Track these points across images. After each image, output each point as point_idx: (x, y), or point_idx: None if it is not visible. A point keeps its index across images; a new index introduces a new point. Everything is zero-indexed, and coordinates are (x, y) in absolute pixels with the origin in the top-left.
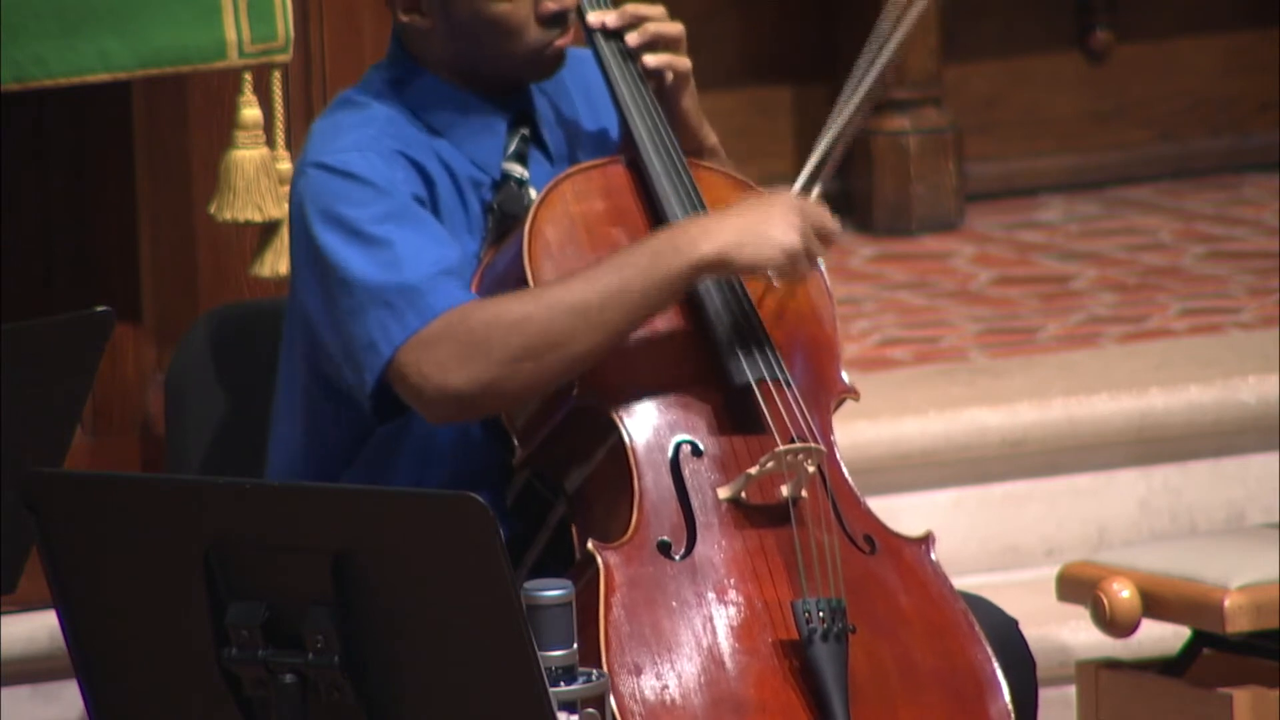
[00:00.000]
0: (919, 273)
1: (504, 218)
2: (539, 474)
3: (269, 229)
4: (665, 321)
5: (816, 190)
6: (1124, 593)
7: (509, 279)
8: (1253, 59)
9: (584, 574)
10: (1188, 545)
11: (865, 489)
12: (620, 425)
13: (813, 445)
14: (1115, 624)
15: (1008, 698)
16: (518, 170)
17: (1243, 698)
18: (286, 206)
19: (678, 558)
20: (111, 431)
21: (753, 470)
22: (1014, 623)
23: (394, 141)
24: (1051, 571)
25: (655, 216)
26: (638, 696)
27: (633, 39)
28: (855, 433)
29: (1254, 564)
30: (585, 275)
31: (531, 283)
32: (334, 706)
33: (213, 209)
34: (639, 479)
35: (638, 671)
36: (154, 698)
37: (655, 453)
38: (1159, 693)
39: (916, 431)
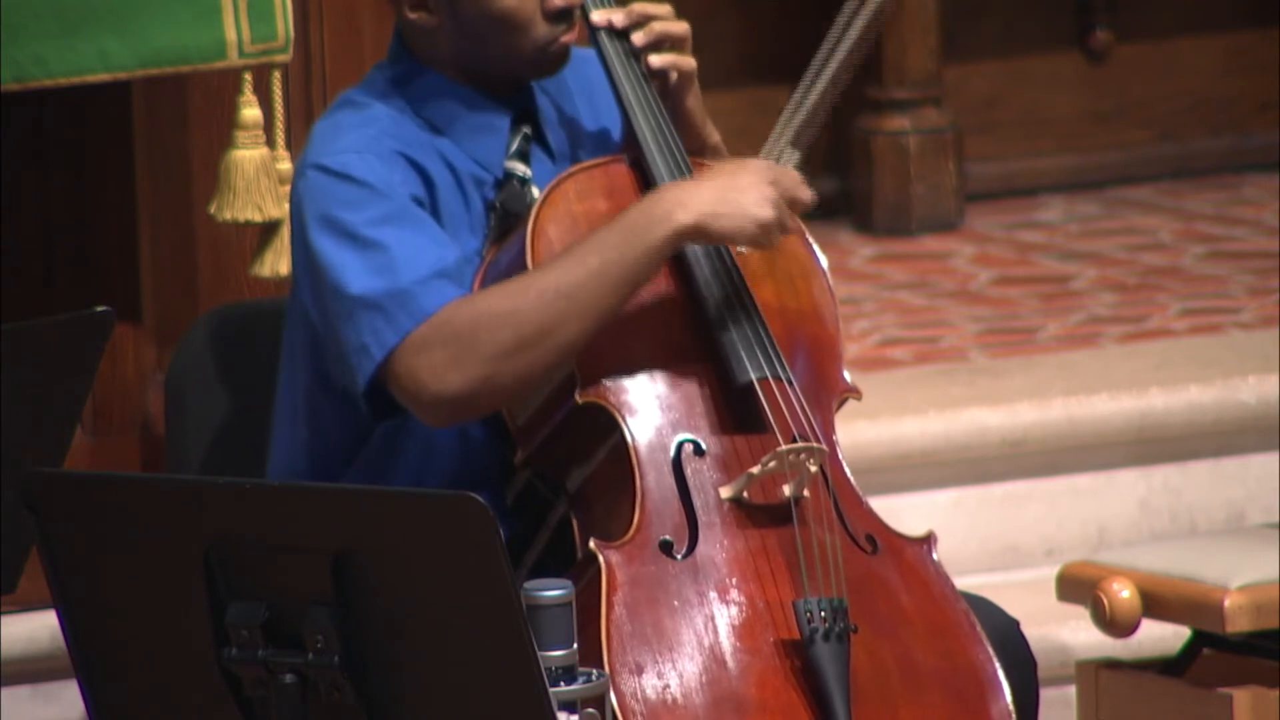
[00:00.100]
0: (919, 273)
1: (506, 216)
2: (540, 473)
3: (269, 229)
4: (668, 320)
5: (789, 159)
6: (1124, 593)
7: (512, 277)
8: (1253, 59)
9: (585, 573)
10: (1188, 545)
11: (865, 489)
12: (622, 424)
13: (815, 445)
14: (1115, 624)
15: (1009, 698)
16: (520, 169)
17: (1243, 698)
18: (286, 206)
19: (679, 557)
20: (111, 431)
21: (755, 469)
22: (1015, 623)
23: (394, 142)
24: (1051, 571)
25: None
26: (639, 696)
27: (639, 38)
28: (855, 433)
29: (1254, 564)
30: (565, 260)
31: None
32: (334, 706)
33: (213, 209)
34: (641, 478)
35: (639, 671)
36: (154, 698)
37: (657, 452)
38: (1159, 693)
39: (916, 431)
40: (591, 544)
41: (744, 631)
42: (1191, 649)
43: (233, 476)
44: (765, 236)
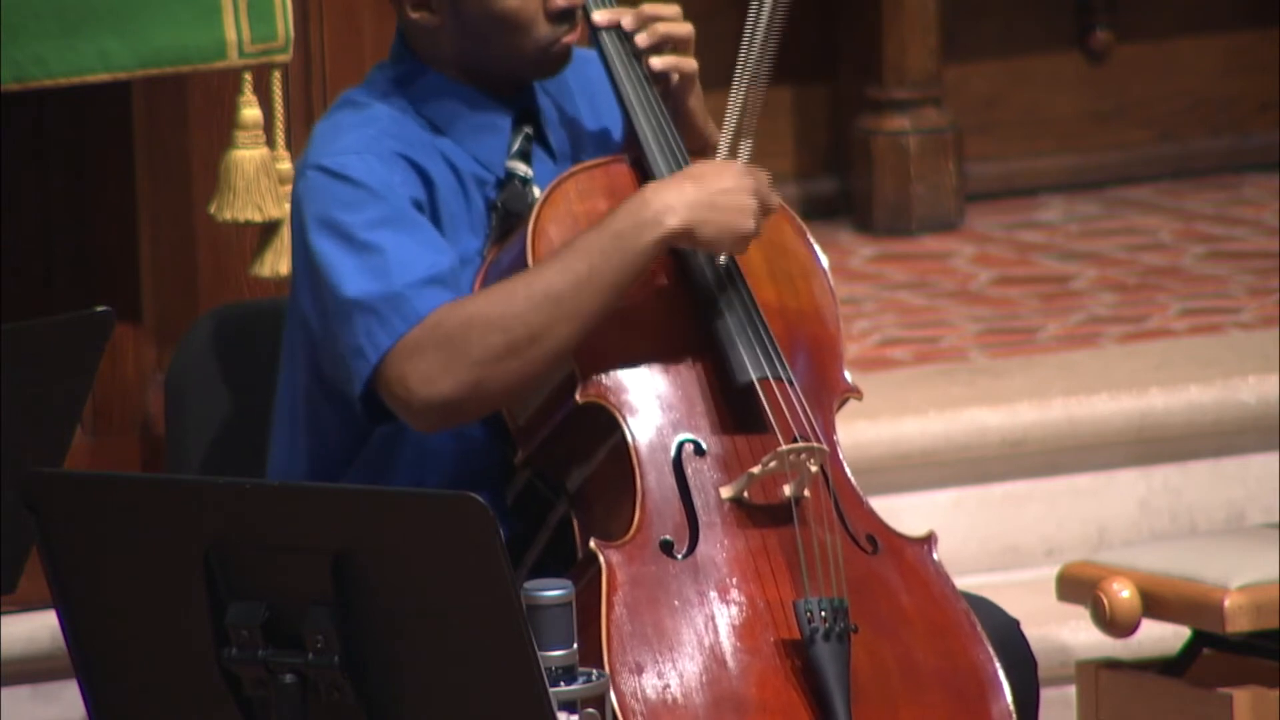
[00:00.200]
0: (919, 273)
1: (508, 216)
2: (540, 473)
3: (269, 229)
4: (668, 320)
5: (745, 150)
6: (1124, 593)
7: (502, 281)
8: (1253, 59)
9: (586, 573)
10: (1188, 545)
11: (865, 489)
12: (622, 424)
13: (815, 445)
14: (1115, 624)
15: (1009, 698)
16: (521, 169)
17: (1243, 698)
18: (286, 207)
19: (680, 557)
20: (111, 431)
21: (755, 469)
22: (1015, 623)
23: (395, 143)
24: (1051, 571)
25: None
26: (639, 695)
27: (642, 40)
28: (855, 433)
29: (1254, 564)
30: (553, 264)
31: None
32: (334, 706)
33: (213, 209)
34: (641, 478)
35: (639, 670)
36: (154, 698)
37: (658, 452)
38: (1159, 693)
39: (916, 431)
40: (592, 544)
41: (744, 631)
42: (1191, 649)
43: (233, 476)
44: (741, 246)
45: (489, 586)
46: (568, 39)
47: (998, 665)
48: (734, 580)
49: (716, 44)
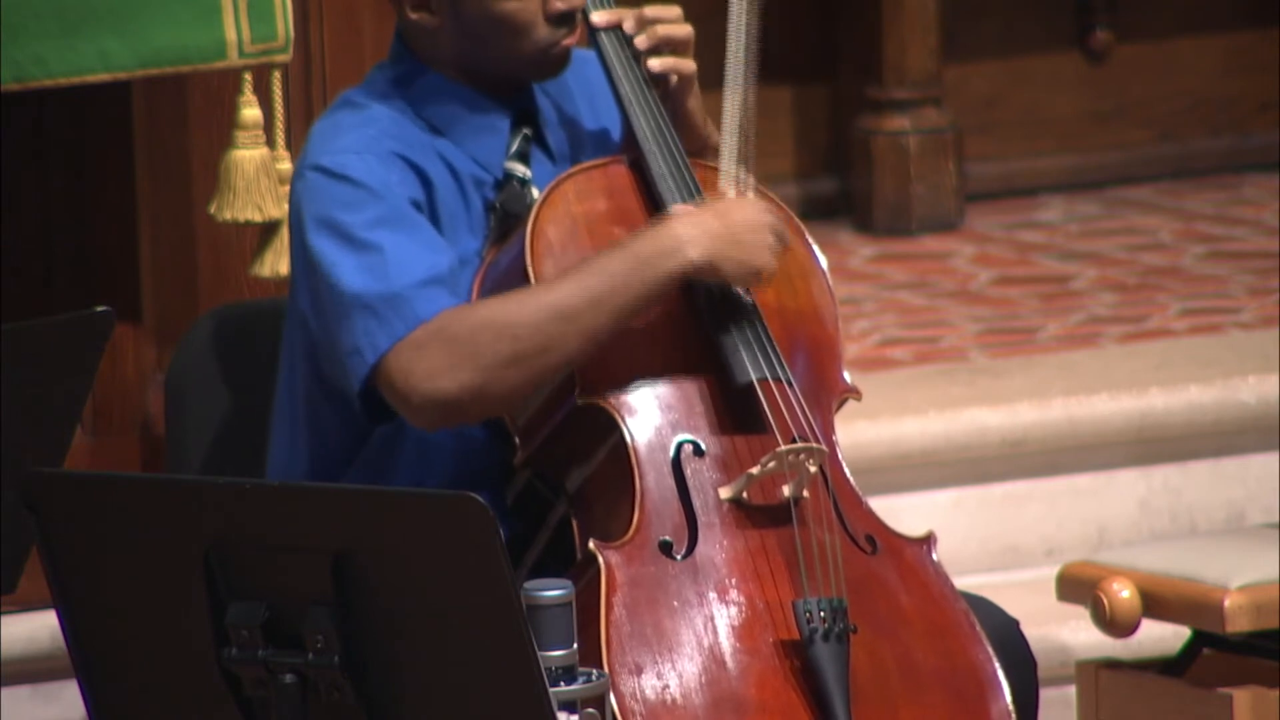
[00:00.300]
0: (919, 273)
1: (506, 217)
2: (540, 474)
3: (269, 229)
4: (667, 321)
5: (749, 176)
6: (1124, 593)
7: (511, 278)
8: (1253, 59)
9: (585, 573)
10: (1188, 545)
11: (865, 489)
12: (622, 425)
13: (814, 445)
14: (1115, 624)
15: (1009, 698)
16: (520, 169)
17: (1243, 698)
18: (286, 206)
19: (679, 557)
20: (111, 431)
21: (754, 470)
22: (1015, 623)
23: (393, 143)
24: (1051, 571)
25: (657, 216)
26: (638, 696)
27: (641, 42)
28: (855, 433)
29: (1254, 564)
30: (571, 279)
31: (533, 282)
32: (334, 706)
33: (213, 209)
34: (640, 478)
35: (638, 671)
36: (154, 698)
37: (657, 452)
38: (1159, 693)
39: (916, 431)
40: (591, 544)
41: (743, 632)
42: (1191, 649)
43: (233, 476)
44: (758, 281)
45: (489, 586)
46: (567, 41)
47: (997, 665)
48: (733, 581)
49: (716, 44)
